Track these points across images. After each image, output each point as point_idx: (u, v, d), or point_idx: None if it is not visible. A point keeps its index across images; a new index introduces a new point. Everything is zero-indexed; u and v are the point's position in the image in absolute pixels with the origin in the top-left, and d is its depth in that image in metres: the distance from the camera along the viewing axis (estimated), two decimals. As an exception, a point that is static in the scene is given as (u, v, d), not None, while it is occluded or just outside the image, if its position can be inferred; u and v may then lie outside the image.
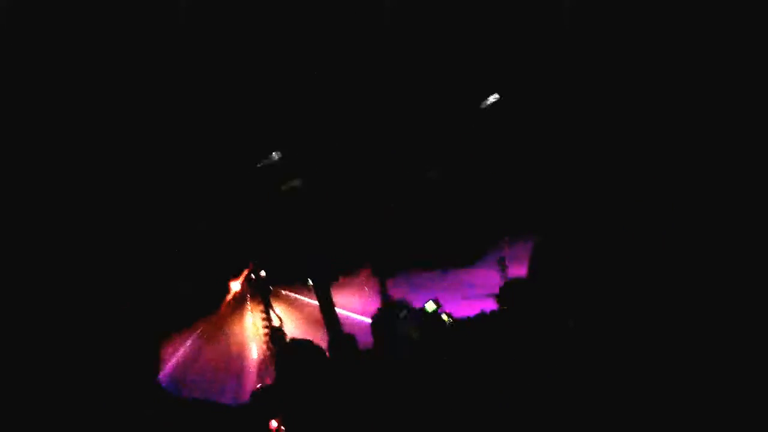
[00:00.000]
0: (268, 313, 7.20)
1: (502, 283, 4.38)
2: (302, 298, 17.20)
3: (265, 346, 7.51)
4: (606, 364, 2.00)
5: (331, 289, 6.53)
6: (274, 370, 3.55)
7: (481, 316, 3.74)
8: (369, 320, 3.28)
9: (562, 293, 2.27)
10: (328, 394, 2.90)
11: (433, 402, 2.45)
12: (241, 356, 14.28)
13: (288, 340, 4.88)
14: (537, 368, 2.23)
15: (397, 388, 2.64)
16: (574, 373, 2.06)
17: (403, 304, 3.15)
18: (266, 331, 7.11)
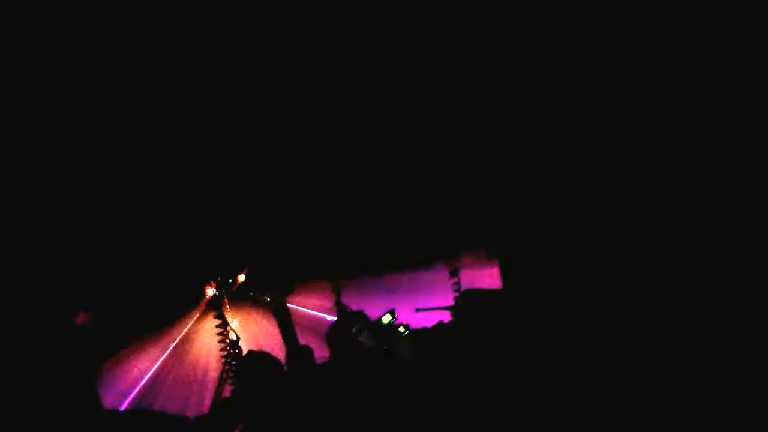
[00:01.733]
0: (223, 327, 7.10)
1: (455, 293, 4.48)
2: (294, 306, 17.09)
3: (222, 360, 7.40)
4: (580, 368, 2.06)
5: (286, 300, 6.51)
6: (232, 384, 3.57)
7: (439, 327, 3.82)
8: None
9: (533, 305, 2.36)
10: (286, 406, 2.95)
11: (391, 411, 2.52)
12: (202, 369, 14.07)
13: (246, 353, 4.84)
14: (502, 377, 2.30)
15: (353, 399, 2.71)
16: (544, 380, 2.13)
17: (359, 317, 3.22)
18: (222, 345, 7.02)
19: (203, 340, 18.74)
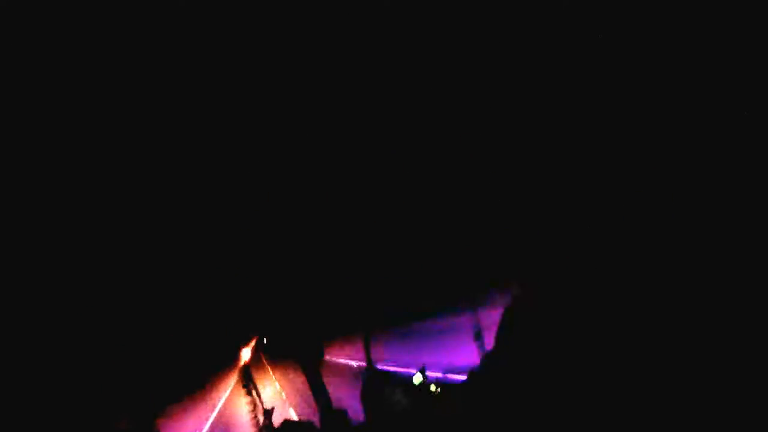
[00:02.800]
0: (251, 395, 7.12)
1: (480, 355, 4.51)
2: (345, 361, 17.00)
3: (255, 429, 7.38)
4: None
5: (319, 366, 6.56)
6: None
7: (470, 384, 3.82)
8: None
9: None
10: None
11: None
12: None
13: (281, 423, 4.87)
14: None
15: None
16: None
17: (390, 378, 3.27)
18: (252, 415, 7.03)
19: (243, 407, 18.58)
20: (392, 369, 10.75)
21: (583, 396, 2.29)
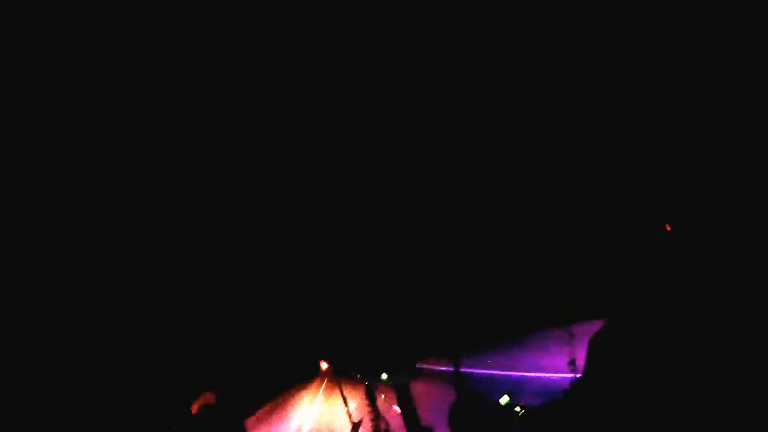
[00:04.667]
0: (373, 407, 7.24)
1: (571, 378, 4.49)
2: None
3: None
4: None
5: (410, 386, 6.69)
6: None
7: (552, 407, 3.86)
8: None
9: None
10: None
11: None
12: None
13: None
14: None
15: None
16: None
17: (478, 399, 3.41)
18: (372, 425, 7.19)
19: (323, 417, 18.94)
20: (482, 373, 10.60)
21: (672, 425, 2.33)
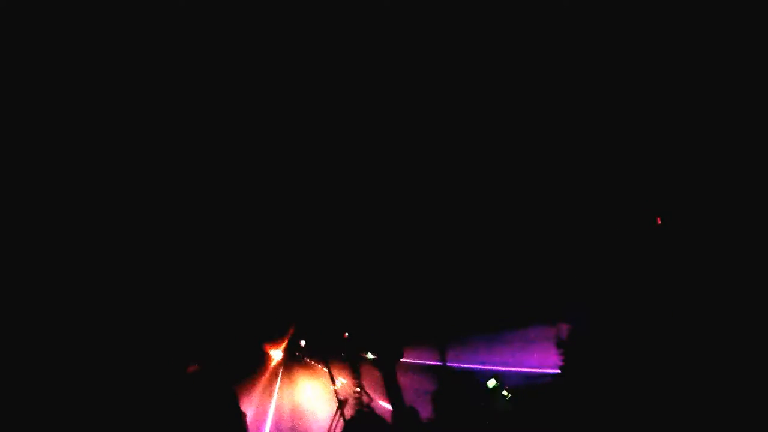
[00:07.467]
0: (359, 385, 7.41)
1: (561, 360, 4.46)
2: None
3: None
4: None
5: (395, 365, 6.71)
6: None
7: (541, 390, 3.84)
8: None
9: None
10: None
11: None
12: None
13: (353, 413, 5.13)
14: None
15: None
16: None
17: (463, 379, 3.36)
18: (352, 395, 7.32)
19: (303, 394, 19.32)
20: (467, 367, 10.73)
21: (655, 411, 2.29)
